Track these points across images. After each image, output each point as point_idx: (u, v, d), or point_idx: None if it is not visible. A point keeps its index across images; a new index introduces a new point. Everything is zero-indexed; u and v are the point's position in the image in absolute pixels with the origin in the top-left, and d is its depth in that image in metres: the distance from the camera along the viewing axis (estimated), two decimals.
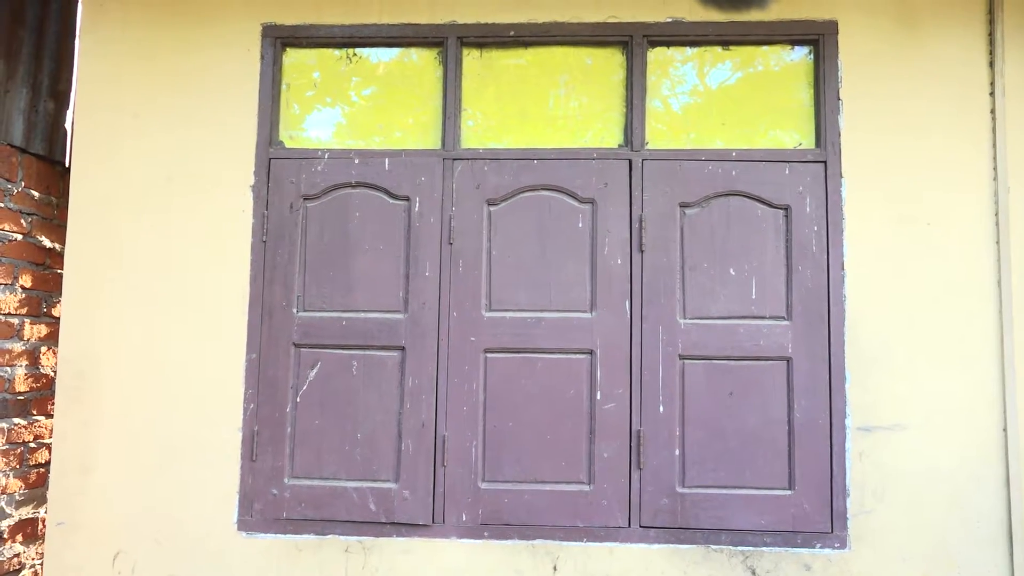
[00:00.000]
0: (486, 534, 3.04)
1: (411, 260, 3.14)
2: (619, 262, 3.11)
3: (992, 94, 3.11)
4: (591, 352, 3.08)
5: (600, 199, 3.13)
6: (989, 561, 2.96)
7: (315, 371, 3.12)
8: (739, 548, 2.99)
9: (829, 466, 2.99)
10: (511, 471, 3.06)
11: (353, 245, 3.15)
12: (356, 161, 3.18)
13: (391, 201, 3.17)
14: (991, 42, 3.13)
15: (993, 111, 3.10)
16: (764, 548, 2.99)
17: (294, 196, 3.18)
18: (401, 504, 3.05)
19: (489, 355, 3.10)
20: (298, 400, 3.11)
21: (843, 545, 2.98)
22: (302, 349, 3.13)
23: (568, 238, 3.13)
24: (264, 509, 3.07)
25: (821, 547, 2.98)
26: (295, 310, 3.14)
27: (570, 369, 3.08)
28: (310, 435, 3.10)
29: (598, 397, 3.06)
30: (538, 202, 3.16)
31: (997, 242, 3.05)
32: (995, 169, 3.08)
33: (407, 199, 3.17)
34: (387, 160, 3.17)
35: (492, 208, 3.16)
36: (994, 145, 3.09)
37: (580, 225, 3.13)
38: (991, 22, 3.14)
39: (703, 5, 3.20)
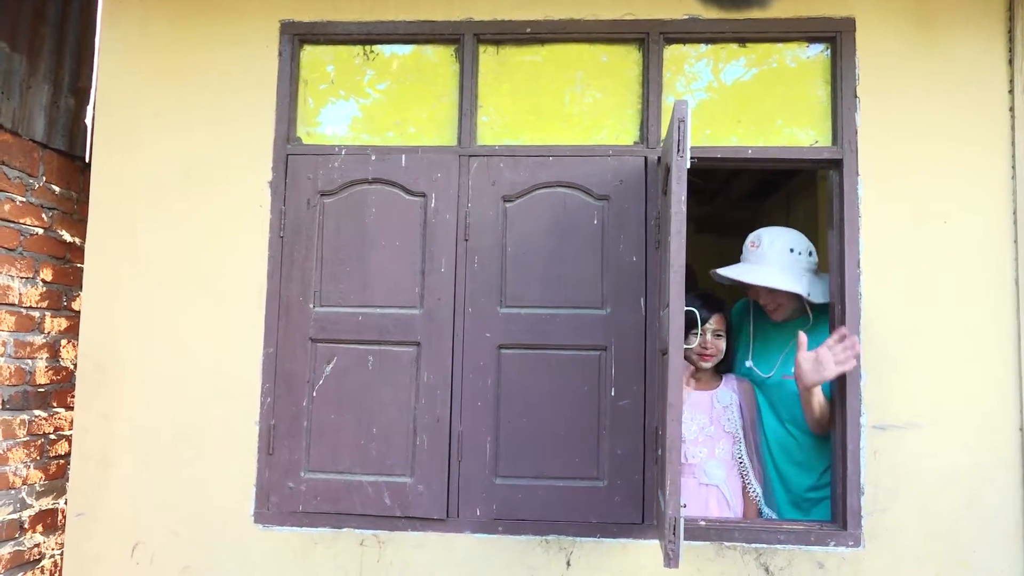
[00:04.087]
0: (500, 529, 3.06)
1: (427, 256, 3.15)
2: (634, 259, 3.11)
3: (1011, 92, 3.09)
4: (605, 348, 3.08)
5: (616, 196, 3.13)
6: (1003, 561, 2.95)
7: (331, 366, 3.14)
8: (752, 545, 2.99)
9: (844, 464, 2.99)
10: (525, 466, 3.07)
11: (369, 241, 3.17)
12: (373, 157, 3.20)
13: (407, 197, 3.18)
14: (1010, 40, 3.11)
15: (1012, 109, 3.08)
16: (778, 546, 2.99)
17: (311, 192, 3.20)
18: (416, 498, 3.07)
19: (504, 351, 3.11)
20: (314, 395, 3.14)
21: (857, 543, 2.97)
22: (318, 344, 3.15)
23: (583, 235, 3.13)
24: (280, 502, 3.10)
25: (835, 545, 2.97)
26: (312, 305, 3.16)
27: (584, 365, 3.09)
28: (326, 429, 3.12)
29: (612, 393, 3.07)
30: (553, 199, 3.16)
31: (1015, 241, 3.04)
32: (1013, 167, 3.06)
33: (423, 195, 3.18)
34: (403, 156, 3.19)
35: (508, 205, 3.17)
36: (1013, 143, 3.07)
37: (595, 222, 3.14)
38: (1010, 19, 3.12)
39: (715, 3, 3.20)
